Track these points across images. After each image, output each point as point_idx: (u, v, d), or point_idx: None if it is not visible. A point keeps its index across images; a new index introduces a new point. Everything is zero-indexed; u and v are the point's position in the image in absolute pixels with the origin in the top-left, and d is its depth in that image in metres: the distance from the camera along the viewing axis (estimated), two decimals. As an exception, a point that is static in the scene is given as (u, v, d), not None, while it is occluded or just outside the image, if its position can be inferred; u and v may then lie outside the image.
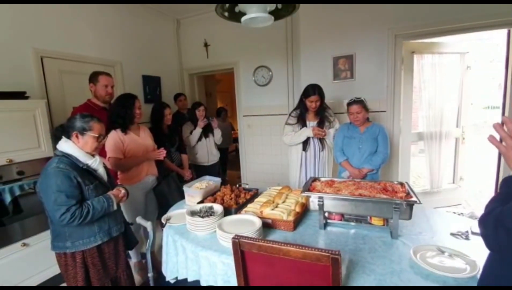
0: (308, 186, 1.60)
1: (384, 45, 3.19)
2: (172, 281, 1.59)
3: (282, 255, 1.00)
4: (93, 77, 2.29)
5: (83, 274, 1.42)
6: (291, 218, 1.50)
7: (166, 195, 2.36)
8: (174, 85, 4.37)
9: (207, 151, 3.29)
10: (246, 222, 1.45)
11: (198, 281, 1.38)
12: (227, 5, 1.34)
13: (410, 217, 1.33)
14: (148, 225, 1.62)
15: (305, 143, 2.59)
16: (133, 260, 2.36)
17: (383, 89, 3.27)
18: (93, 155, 1.53)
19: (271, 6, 1.31)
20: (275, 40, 3.79)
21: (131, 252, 2.33)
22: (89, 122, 1.48)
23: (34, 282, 2.03)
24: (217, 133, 3.36)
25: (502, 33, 2.92)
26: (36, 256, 2.04)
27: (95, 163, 1.51)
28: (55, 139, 1.50)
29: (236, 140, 5.17)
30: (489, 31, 2.85)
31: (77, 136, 1.46)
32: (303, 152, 2.62)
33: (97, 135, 1.49)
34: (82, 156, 1.45)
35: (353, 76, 3.40)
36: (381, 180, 2.49)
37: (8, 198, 1.98)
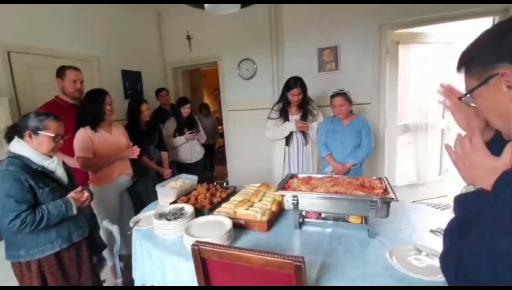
0: (284, 184, 1.52)
1: (368, 36, 3.11)
2: (143, 286, 1.50)
3: (244, 262, 0.92)
4: (60, 72, 2.15)
5: (40, 283, 1.32)
6: (265, 218, 1.41)
7: (142, 195, 2.25)
8: (156, 80, 4.21)
9: (190, 148, 3.18)
10: (216, 224, 1.36)
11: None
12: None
13: (387, 215, 1.26)
14: (114, 228, 1.52)
15: (288, 138, 2.51)
16: (109, 264, 2.26)
17: (368, 81, 3.20)
18: (50, 156, 1.41)
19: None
20: (259, 32, 3.67)
21: (106, 256, 2.23)
22: (44, 120, 1.36)
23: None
24: (202, 137, 3.24)
25: (487, 22, 2.85)
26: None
27: (53, 165, 1.40)
28: (8, 139, 1.37)
29: (222, 135, 5.07)
30: (474, 19, 2.79)
31: (30, 136, 1.34)
32: (286, 147, 2.54)
33: (53, 135, 1.37)
34: (37, 157, 1.34)
35: (338, 68, 3.32)
36: (365, 174, 2.45)
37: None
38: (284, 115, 2.51)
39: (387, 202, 1.24)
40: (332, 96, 2.32)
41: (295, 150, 2.52)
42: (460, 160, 0.66)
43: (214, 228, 1.33)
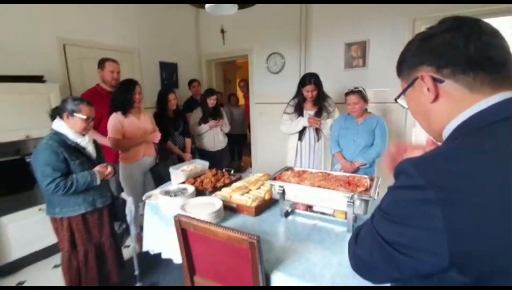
0: (276, 175, 1.62)
1: (401, 31, 2.96)
2: (151, 253, 1.74)
3: (213, 235, 1.07)
4: (101, 63, 2.49)
5: (69, 237, 1.64)
6: (254, 204, 1.54)
7: (162, 175, 2.52)
8: (191, 71, 4.50)
9: (213, 137, 3.39)
10: (209, 205, 1.53)
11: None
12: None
13: (365, 212, 1.30)
14: (129, 199, 1.78)
15: (301, 133, 2.57)
16: (133, 232, 2.59)
17: (397, 79, 3.05)
18: (83, 135, 1.70)
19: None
20: (289, 26, 3.70)
21: (130, 224, 2.56)
22: (79, 104, 1.65)
23: (44, 244, 2.35)
24: (225, 125, 3.42)
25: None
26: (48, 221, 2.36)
27: (84, 142, 1.69)
28: (52, 118, 1.69)
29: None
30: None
31: (67, 117, 1.63)
32: (299, 142, 2.60)
33: (85, 117, 1.65)
34: (71, 134, 1.64)
35: (365, 64, 3.23)
36: (378, 175, 2.42)
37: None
38: (298, 110, 2.56)
39: (365, 200, 1.27)
40: (347, 94, 2.32)
41: (307, 145, 2.57)
42: None
43: (206, 207, 1.49)
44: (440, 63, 0.55)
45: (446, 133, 0.58)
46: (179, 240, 1.18)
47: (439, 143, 0.65)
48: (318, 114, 2.52)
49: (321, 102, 2.54)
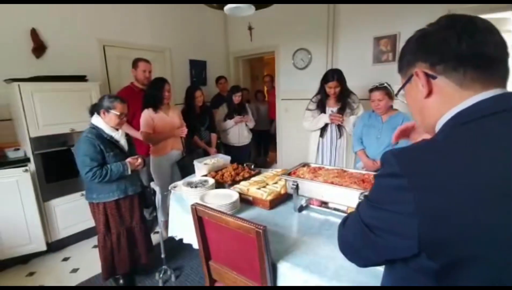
0: (292, 170, 1.66)
1: (435, 23, 2.78)
2: (176, 239, 1.89)
3: (225, 224, 1.15)
4: (134, 63, 2.69)
5: (104, 220, 1.84)
6: (269, 197, 1.60)
7: (188, 168, 2.67)
8: (219, 68, 4.65)
9: (238, 132, 3.49)
10: (227, 196, 1.62)
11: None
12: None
13: (378, 210, 1.29)
14: (157, 189, 1.94)
15: (323, 130, 2.56)
16: (160, 219, 2.80)
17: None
18: (117, 129, 1.89)
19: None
20: (316, 21, 3.66)
21: (158, 212, 2.76)
22: (114, 102, 1.82)
23: (86, 226, 2.64)
24: (250, 121, 3.50)
25: None
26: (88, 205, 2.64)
27: (118, 136, 1.87)
28: (91, 114, 1.89)
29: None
30: None
31: (104, 113, 1.82)
32: (320, 138, 2.59)
33: (118, 113, 1.83)
34: (107, 129, 1.82)
35: (395, 59, 3.09)
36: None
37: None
38: (321, 106, 2.55)
39: (377, 198, 1.27)
40: (371, 90, 2.26)
41: (329, 142, 2.56)
42: None
43: (224, 199, 1.59)
44: (433, 60, 0.57)
45: (437, 128, 0.59)
46: (195, 227, 1.29)
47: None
48: (341, 110, 2.49)
49: (344, 98, 2.50)
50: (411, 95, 0.66)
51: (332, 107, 2.54)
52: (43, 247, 2.37)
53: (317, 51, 3.77)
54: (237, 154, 3.21)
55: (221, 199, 1.57)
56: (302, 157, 4.17)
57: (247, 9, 1.44)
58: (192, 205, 1.25)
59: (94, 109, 1.87)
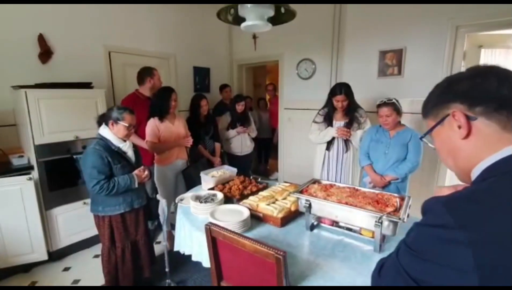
0: (303, 187, 1.65)
1: (441, 38, 2.82)
2: (181, 253, 1.85)
3: (240, 246, 1.13)
4: (150, 72, 2.72)
5: (109, 233, 1.80)
6: (280, 215, 1.58)
7: (193, 177, 2.65)
8: (223, 75, 4.65)
9: (241, 142, 3.47)
10: (237, 213, 1.60)
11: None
12: (232, 10, 1.45)
13: (394, 234, 1.28)
14: (163, 201, 1.91)
15: (329, 143, 2.55)
16: (165, 230, 2.76)
17: (434, 89, 2.92)
18: (124, 140, 1.86)
19: (269, 13, 1.37)
20: (321, 32, 3.68)
21: (163, 223, 2.72)
22: (122, 113, 1.80)
23: (87, 235, 2.59)
24: (253, 131, 3.49)
25: None
26: (91, 214, 2.59)
27: (125, 147, 1.84)
28: (99, 124, 1.86)
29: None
30: None
31: (112, 124, 1.79)
32: (326, 152, 2.59)
33: (127, 125, 1.80)
34: (115, 140, 1.80)
35: (400, 73, 3.12)
36: (410, 189, 2.34)
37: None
38: (328, 120, 2.55)
39: (393, 221, 1.26)
40: (379, 106, 2.26)
41: (335, 155, 2.55)
42: None
43: (234, 215, 1.56)
44: (472, 101, 0.56)
45: (475, 172, 0.58)
46: (209, 247, 1.26)
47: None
48: (349, 125, 2.48)
49: (352, 112, 2.50)
50: (442, 138, 0.64)
51: (339, 121, 2.54)
52: (45, 257, 2.31)
53: (321, 62, 3.79)
54: (240, 163, 3.19)
55: (231, 216, 1.55)
56: (304, 167, 4.21)
57: (264, 26, 1.44)
58: (206, 225, 1.23)
59: (102, 119, 1.84)
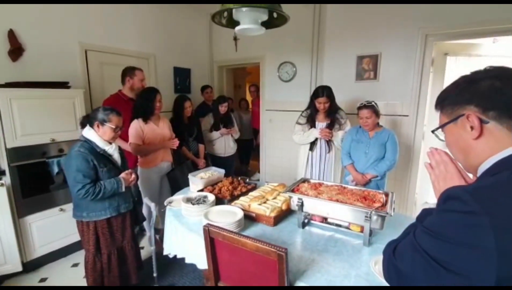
0: (294, 187, 1.70)
1: (413, 46, 3.04)
2: (170, 256, 1.83)
3: (241, 245, 1.15)
4: (130, 71, 2.60)
5: (94, 240, 1.73)
6: (273, 214, 1.62)
7: (178, 180, 2.61)
8: (203, 76, 4.61)
9: (224, 143, 3.48)
10: (231, 213, 1.61)
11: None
12: (225, 13, 1.47)
13: (381, 227, 1.37)
14: (152, 205, 1.87)
15: (312, 144, 2.65)
16: (147, 234, 2.69)
17: (407, 93, 3.13)
18: (110, 143, 1.80)
19: (263, 18, 1.41)
20: (302, 36, 3.78)
21: (146, 227, 2.65)
22: (109, 115, 1.74)
23: (64, 243, 2.45)
24: (236, 133, 3.52)
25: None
26: (68, 221, 2.44)
27: (111, 149, 1.78)
28: (82, 126, 1.78)
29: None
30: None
31: (98, 126, 1.73)
32: (310, 152, 2.67)
33: (114, 127, 1.74)
34: (101, 142, 1.73)
35: (376, 77, 3.30)
36: (388, 186, 2.49)
37: (55, 170, 2.37)
38: (311, 121, 2.64)
39: (381, 216, 1.35)
40: (359, 108, 2.39)
41: (318, 156, 2.65)
42: (435, 171, 0.77)
43: (228, 216, 1.58)
44: (487, 106, 0.62)
45: (484, 166, 0.64)
46: (207, 248, 1.27)
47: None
48: (330, 126, 2.59)
49: (333, 114, 2.61)
50: (454, 135, 0.70)
51: (321, 122, 2.64)
52: (19, 268, 2.16)
53: (302, 65, 3.89)
54: (224, 165, 3.18)
55: (225, 217, 1.56)
56: (285, 166, 4.30)
57: (258, 30, 1.47)
58: (205, 226, 1.23)
59: (87, 121, 1.77)
